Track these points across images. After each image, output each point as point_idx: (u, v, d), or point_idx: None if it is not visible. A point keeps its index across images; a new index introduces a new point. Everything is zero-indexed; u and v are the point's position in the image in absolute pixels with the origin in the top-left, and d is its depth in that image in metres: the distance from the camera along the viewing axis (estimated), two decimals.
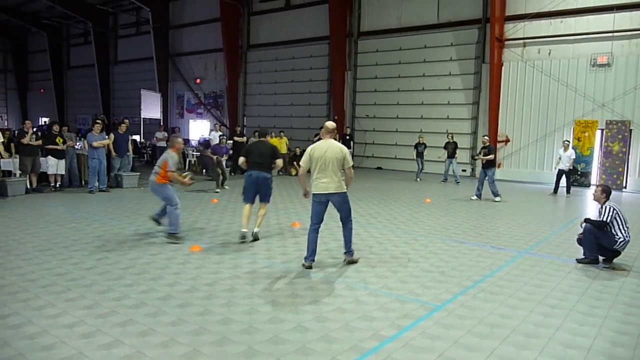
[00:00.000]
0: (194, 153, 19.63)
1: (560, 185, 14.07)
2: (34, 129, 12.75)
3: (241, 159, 7.52)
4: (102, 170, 12.30)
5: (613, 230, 6.46)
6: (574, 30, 16.27)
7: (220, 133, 17.37)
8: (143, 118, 24.00)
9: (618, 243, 6.43)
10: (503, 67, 17.66)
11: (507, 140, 17.77)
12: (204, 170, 17.57)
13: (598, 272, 6.33)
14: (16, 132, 13.46)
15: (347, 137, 19.86)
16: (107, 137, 12.62)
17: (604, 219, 6.46)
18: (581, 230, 6.76)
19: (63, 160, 12.41)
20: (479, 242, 7.89)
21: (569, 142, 14.45)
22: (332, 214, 6.78)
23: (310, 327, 4.33)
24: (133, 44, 30.35)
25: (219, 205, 10.90)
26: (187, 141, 23.23)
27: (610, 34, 15.52)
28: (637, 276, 6.21)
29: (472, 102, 18.51)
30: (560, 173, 13.94)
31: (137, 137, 22.44)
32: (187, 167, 19.33)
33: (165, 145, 19.64)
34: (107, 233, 7.82)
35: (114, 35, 31.67)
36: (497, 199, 12.37)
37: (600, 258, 6.65)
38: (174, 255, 6.61)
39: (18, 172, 11.98)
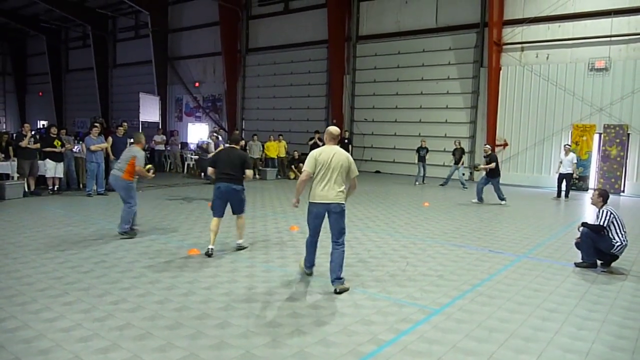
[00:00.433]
0: (192, 156, 19.62)
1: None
2: (32, 132, 12.74)
3: (210, 170, 6.94)
4: (100, 173, 12.28)
5: (610, 234, 6.46)
6: (571, 34, 16.33)
7: (214, 136, 17.29)
8: (142, 121, 23.97)
9: (615, 247, 6.43)
10: (501, 71, 17.71)
11: (505, 145, 17.80)
12: (203, 174, 17.58)
13: (596, 276, 6.34)
14: (14, 135, 13.44)
15: (346, 141, 19.83)
16: (105, 140, 12.61)
17: (601, 223, 6.47)
18: (579, 235, 6.76)
19: (61, 163, 12.39)
20: (478, 246, 7.89)
21: (570, 146, 14.49)
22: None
23: (309, 331, 4.31)
24: (132, 47, 30.38)
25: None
26: (185, 145, 23.25)
27: (608, 39, 15.58)
28: (635, 280, 6.21)
29: (470, 106, 18.55)
30: (562, 177, 13.97)
31: None
32: (185, 170, 19.34)
33: (164, 148, 19.71)
34: (104, 236, 7.80)
35: (112, 39, 31.70)
36: (503, 202, 12.53)
37: (598, 262, 6.65)
38: (172, 258, 6.59)
39: (16, 175, 11.95)
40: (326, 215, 5.45)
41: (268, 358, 3.79)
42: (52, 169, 12.14)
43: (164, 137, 20.30)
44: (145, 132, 24.80)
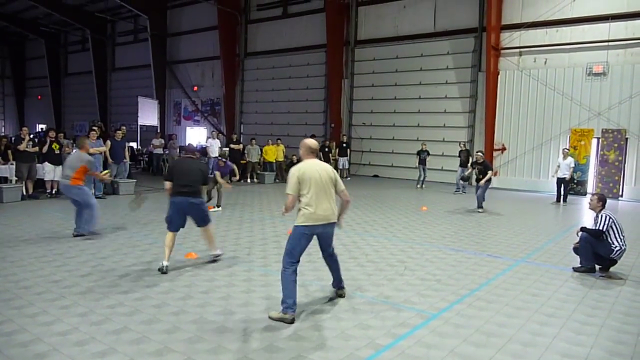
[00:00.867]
0: None
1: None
2: (31, 136, 12.72)
3: (167, 185, 6.33)
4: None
5: (609, 239, 6.46)
6: (569, 39, 16.39)
7: (219, 146, 17.30)
8: (140, 125, 23.98)
9: (614, 252, 6.43)
10: (499, 76, 17.76)
11: (503, 149, 17.83)
12: None
13: (595, 280, 6.33)
14: (13, 138, 13.42)
15: (344, 145, 19.90)
16: (103, 144, 12.60)
17: (600, 228, 6.47)
18: (577, 239, 6.76)
19: (60, 167, 12.35)
20: (476, 250, 7.89)
21: (568, 150, 14.50)
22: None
23: (306, 336, 4.30)
24: (131, 51, 30.41)
25: (214, 212, 10.85)
26: (183, 148, 23.22)
27: (606, 43, 15.64)
28: (633, 285, 6.21)
29: (468, 111, 18.58)
30: (560, 181, 13.99)
31: (134, 144, 22.41)
32: None
33: (162, 152, 19.70)
34: (102, 240, 7.78)
35: (111, 43, 31.73)
36: (480, 210, 11.92)
37: (597, 267, 6.65)
38: (169, 263, 6.56)
39: (14, 179, 11.94)
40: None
41: None
42: (50, 172, 12.13)
43: (163, 141, 20.28)
44: (144, 136, 24.88)
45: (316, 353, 3.97)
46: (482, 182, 11.99)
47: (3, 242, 7.41)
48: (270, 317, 4.61)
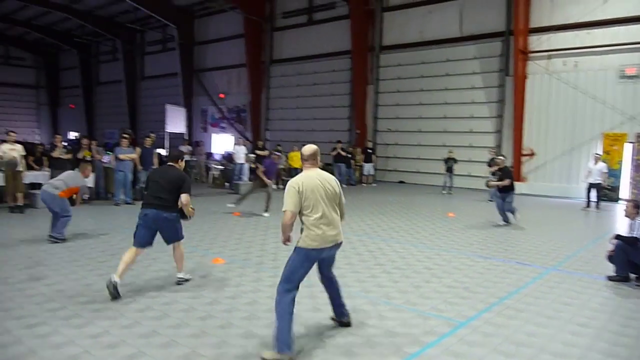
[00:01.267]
0: (217, 167, 19.86)
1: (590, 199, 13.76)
2: (64, 143, 13.09)
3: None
4: (128, 183, 12.54)
5: None
6: (600, 41, 16.00)
7: (244, 152, 17.46)
8: (168, 132, 24.41)
9: None
10: (527, 80, 17.45)
11: (532, 154, 17.49)
12: (227, 184, 17.78)
13: (630, 290, 6.14)
14: (47, 146, 13.84)
15: (369, 151, 19.84)
16: (134, 151, 12.87)
17: (636, 235, 6.28)
18: (611, 247, 6.57)
19: (92, 174, 12.69)
20: (504, 257, 7.74)
21: (599, 155, 14.15)
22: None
23: (332, 342, 4.29)
24: (159, 60, 31.03)
25: (241, 219, 10.97)
26: (210, 155, 23.54)
27: (639, 45, 15.21)
28: None
29: (495, 116, 18.32)
30: (590, 187, 13.63)
31: (162, 151, 22.81)
32: (210, 180, 19.57)
33: (190, 159, 20.01)
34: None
35: (141, 52, 32.46)
36: (517, 216, 10.82)
37: (632, 276, 6.44)
38: (197, 267, 6.65)
39: None
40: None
41: None
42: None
43: (190, 148, 20.61)
44: (172, 143, 25.34)
45: (342, 359, 3.96)
46: (492, 183, 11.02)
47: (37, 247, 7.62)
48: (263, 359, 3.88)
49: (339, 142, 19.48)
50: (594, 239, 9.53)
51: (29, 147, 13.80)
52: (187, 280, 5.91)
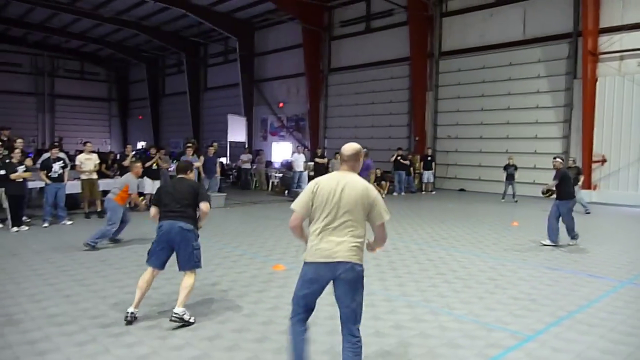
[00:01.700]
0: (276, 175, 20.22)
1: None
2: (133, 152, 13.83)
3: (152, 211, 5.27)
4: None
5: None
6: None
7: (303, 160, 17.67)
8: (229, 141, 25.18)
9: None
10: (597, 83, 16.57)
11: (604, 161, 16.55)
12: (287, 192, 18.05)
13: None
14: (118, 155, 14.67)
15: (429, 159, 19.53)
16: (198, 159, 13.38)
17: None
18: None
19: (158, 181, 13.29)
20: (574, 269, 7.37)
21: None
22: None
23: (394, 352, 4.25)
24: (221, 71, 32.10)
25: None
26: (269, 163, 24.01)
27: None
28: None
29: (562, 120, 17.51)
30: None
31: (223, 160, 23.52)
32: (269, 188, 19.95)
33: (250, 167, 20.51)
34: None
35: (204, 64, 33.72)
36: (573, 242, 9.07)
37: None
38: (258, 273, 6.80)
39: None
40: (331, 283, 3.47)
41: None
42: (149, 186, 13.06)
43: (250, 156, 21.12)
44: (233, 152, 26.00)
45: None
46: (546, 187, 9.52)
47: (109, 250, 8.06)
48: None
49: (399, 149, 19.32)
50: None
51: (102, 156, 14.70)
52: (185, 322, 4.73)
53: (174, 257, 5.11)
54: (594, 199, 15.93)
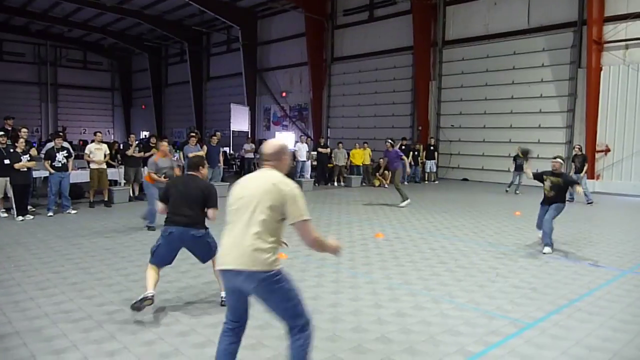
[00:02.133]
0: None
1: None
2: (137, 142, 13.85)
3: (160, 206, 5.15)
4: None
5: None
6: None
7: (306, 150, 17.64)
8: (232, 131, 25.19)
9: None
10: (602, 72, 16.48)
11: (607, 150, 16.51)
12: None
13: None
14: (121, 145, 14.70)
15: (432, 148, 19.51)
16: (201, 149, 13.40)
17: None
18: None
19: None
20: (576, 258, 7.40)
21: None
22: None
23: (394, 339, 4.31)
24: (224, 61, 32.02)
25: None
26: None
27: None
28: None
29: (566, 110, 17.44)
30: None
31: (227, 149, 23.55)
32: None
33: (253, 156, 20.55)
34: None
35: (206, 54, 33.62)
36: (546, 249, 7.64)
37: None
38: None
39: (123, 182, 13.07)
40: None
41: None
42: None
43: (253, 146, 21.12)
44: (235, 141, 26.00)
45: (404, 356, 3.97)
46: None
47: (115, 239, 8.13)
48: None
49: (403, 138, 19.31)
50: None
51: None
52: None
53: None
54: (597, 188, 15.93)
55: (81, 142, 29.42)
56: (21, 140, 10.15)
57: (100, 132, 12.28)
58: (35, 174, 11.09)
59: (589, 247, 8.21)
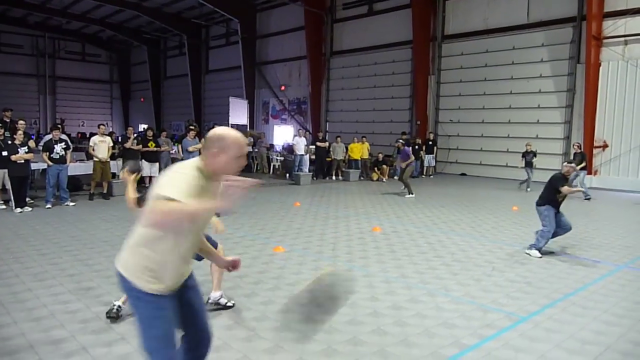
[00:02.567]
0: (278, 158, 20.27)
1: None
2: (135, 135, 13.86)
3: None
4: None
5: None
6: None
7: (304, 144, 17.63)
8: (231, 124, 25.15)
9: None
10: (601, 67, 16.49)
11: (605, 146, 16.55)
12: (288, 175, 18.11)
13: None
14: (119, 137, 14.70)
15: (430, 143, 19.52)
16: (199, 142, 13.40)
17: None
18: None
19: (157, 164, 13.37)
20: (571, 253, 7.45)
21: None
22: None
23: (390, 331, 4.34)
24: (223, 54, 31.93)
25: (301, 209, 11.18)
26: (271, 146, 24.05)
27: None
28: None
29: (565, 105, 17.46)
30: None
31: None
32: (271, 171, 20.02)
33: (252, 150, 20.54)
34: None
35: (205, 47, 33.51)
36: (535, 253, 7.15)
37: None
38: (259, 255, 6.89)
39: (121, 174, 13.07)
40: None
41: (349, 354, 3.88)
42: (146, 169, 13.13)
43: (252, 139, 21.12)
44: None
45: (399, 348, 4.01)
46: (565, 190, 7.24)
47: (112, 232, 8.16)
48: None
49: (403, 133, 19.32)
50: None
51: None
52: (224, 305, 4.79)
53: None
54: (594, 184, 15.97)
55: (79, 135, 29.39)
56: (19, 132, 10.14)
57: (103, 125, 12.31)
58: (33, 166, 11.08)
59: (585, 242, 8.26)
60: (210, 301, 4.76)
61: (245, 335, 4.19)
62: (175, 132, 29.52)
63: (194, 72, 33.00)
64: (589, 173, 15.95)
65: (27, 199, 10.38)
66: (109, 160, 11.94)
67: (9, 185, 9.82)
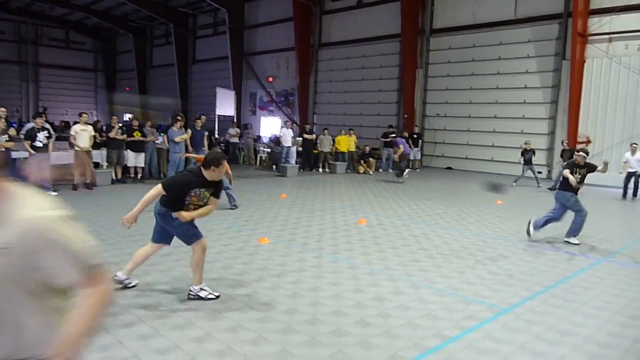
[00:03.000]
0: (264, 149, 20.19)
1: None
2: (120, 124, 13.69)
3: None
4: (181, 164, 12.97)
5: None
6: None
7: (292, 136, 17.58)
8: (218, 115, 24.97)
9: None
10: (585, 64, 16.67)
11: (588, 142, 16.77)
12: (274, 166, 18.07)
13: None
14: (104, 126, 14.52)
15: (415, 136, 19.61)
16: (185, 132, 13.29)
17: None
18: None
19: (142, 154, 13.24)
20: (552, 246, 7.56)
21: (637, 145, 13.57)
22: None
23: (373, 322, 4.38)
24: (210, 44, 31.62)
25: (287, 201, 11.17)
26: (258, 138, 23.96)
27: None
28: None
29: (550, 101, 17.64)
30: (629, 176, 13.49)
31: (212, 132, 23.34)
32: (257, 162, 19.95)
33: (238, 141, 20.43)
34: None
35: (192, 36, 33.15)
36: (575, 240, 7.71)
37: None
38: (244, 246, 6.88)
39: (105, 164, 12.94)
40: None
41: (332, 345, 3.90)
42: (132, 159, 13.01)
43: (238, 130, 21.03)
44: (221, 126, 25.78)
45: (382, 339, 4.04)
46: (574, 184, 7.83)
47: (95, 221, 8.07)
48: None
49: (390, 126, 19.35)
50: None
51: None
52: (203, 297, 4.76)
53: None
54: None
55: (63, 124, 28.94)
56: (0, 119, 9.95)
57: (85, 114, 12.08)
58: (14, 154, 10.89)
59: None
60: (192, 293, 4.79)
61: (229, 326, 4.19)
62: (161, 122, 29.20)
63: (180, 61, 32.65)
64: None
65: None
66: (91, 149, 11.77)
67: None
